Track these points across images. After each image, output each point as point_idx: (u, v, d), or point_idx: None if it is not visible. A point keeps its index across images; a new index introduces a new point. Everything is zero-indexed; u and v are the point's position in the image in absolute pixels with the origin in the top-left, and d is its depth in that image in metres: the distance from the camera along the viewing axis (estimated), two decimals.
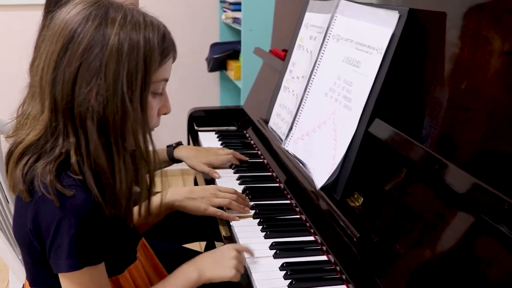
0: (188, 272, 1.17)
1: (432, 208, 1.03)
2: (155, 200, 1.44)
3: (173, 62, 1.12)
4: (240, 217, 1.45)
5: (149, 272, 1.29)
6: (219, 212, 1.45)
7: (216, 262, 1.18)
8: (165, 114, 1.14)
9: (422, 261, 1.00)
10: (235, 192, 1.50)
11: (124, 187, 1.03)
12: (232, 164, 1.81)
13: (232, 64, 3.41)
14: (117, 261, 1.15)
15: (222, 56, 3.49)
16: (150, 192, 1.12)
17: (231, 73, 3.46)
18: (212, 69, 3.63)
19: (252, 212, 1.48)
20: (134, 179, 1.06)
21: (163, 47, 1.04)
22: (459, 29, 1.07)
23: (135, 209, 1.16)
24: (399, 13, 1.18)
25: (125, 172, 1.03)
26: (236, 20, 3.28)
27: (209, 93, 3.91)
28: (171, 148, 1.85)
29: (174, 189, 1.50)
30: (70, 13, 1.00)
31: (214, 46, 3.57)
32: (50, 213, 0.97)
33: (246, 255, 1.27)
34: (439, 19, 1.11)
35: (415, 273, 1.01)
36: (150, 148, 1.08)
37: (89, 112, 0.98)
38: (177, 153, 1.84)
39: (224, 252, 1.20)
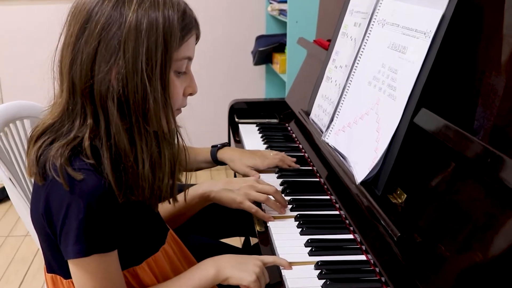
0: (207, 267, 1.10)
1: (484, 207, 0.91)
2: (190, 191, 1.39)
3: (197, 40, 1.07)
4: (275, 218, 1.36)
5: (181, 264, 1.24)
6: (254, 208, 1.35)
7: (238, 264, 1.11)
8: (191, 94, 1.09)
9: (469, 266, 0.89)
10: (275, 191, 1.39)
11: (147, 170, 0.99)
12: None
13: (277, 57, 3.32)
14: (134, 252, 1.10)
15: (268, 49, 3.41)
16: (174, 176, 1.07)
17: (276, 67, 3.37)
18: (257, 62, 3.55)
19: (289, 208, 1.40)
20: (158, 162, 1.01)
21: (183, 23, 1.00)
22: None
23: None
24: None
25: (147, 154, 0.99)
26: (282, 12, 3.19)
27: (254, 86, 3.84)
28: (215, 148, 1.72)
29: (212, 180, 1.44)
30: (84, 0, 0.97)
31: (259, 38, 3.49)
32: (60, 196, 0.94)
33: (280, 251, 1.20)
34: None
35: (461, 279, 0.90)
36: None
37: (110, 91, 0.95)
38: (221, 154, 1.70)
39: (250, 258, 1.12)
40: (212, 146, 1.73)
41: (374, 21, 1.36)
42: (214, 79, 3.78)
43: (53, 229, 0.97)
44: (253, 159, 1.65)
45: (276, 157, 1.65)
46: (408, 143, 1.13)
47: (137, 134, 0.98)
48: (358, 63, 1.39)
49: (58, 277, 1.07)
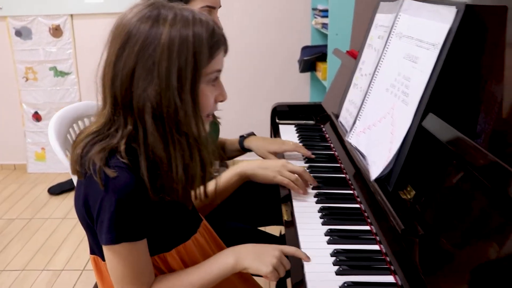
0: (226, 257, 1.08)
1: (480, 204, 0.89)
2: (230, 171, 1.42)
3: (225, 54, 1.06)
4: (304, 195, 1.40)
5: (212, 253, 1.22)
6: (286, 180, 1.39)
7: (257, 254, 1.07)
8: (221, 101, 1.08)
9: (466, 260, 0.87)
10: (304, 170, 1.42)
11: (180, 173, 0.99)
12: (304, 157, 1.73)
13: (320, 65, 3.30)
14: (165, 240, 1.10)
15: (312, 58, 3.39)
16: (204, 177, 1.06)
17: (319, 74, 3.35)
18: (303, 70, 3.54)
19: (315, 201, 1.39)
20: (189, 165, 1.01)
21: (212, 42, 0.99)
22: None
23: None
24: (456, 8, 1.04)
25: (180, 160, 0.99)
26: (324, 25, 3.16)
27: (300, 91, 3.83)
28: (242, 138, 1.80)
29: (248, 161, 1.46)
30: (127, 16, 0.98)
31: (304, 49, 3.47)
32: (96, 191, 0.96)
33: (301, 239, 1.19)
34: (499, 14, 0.96)
35: (458, 272, 0.87)
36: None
37: (147, 106, 0.96)
38: (247, 143, 1.79)
39: (268, 249, 1.09)
40: (240, 136, 1.78)
41: (393, 34, 1.33)
42: (266, 84, 3.79)
43: (91, 218, 1.00)
44: (273, 145, 1.73)
45: (292, 146, 1.71)
46: (417, 144, 1.11)
47: (171, 143, 0.98)
48: (378, 72, 1.37)
49: (99, 258, 1.10)
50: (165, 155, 0.98)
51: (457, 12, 1.03)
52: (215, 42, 1.00)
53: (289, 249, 1.11)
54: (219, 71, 1.04)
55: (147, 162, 0.97)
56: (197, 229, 1.21)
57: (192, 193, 1.14)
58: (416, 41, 1.18)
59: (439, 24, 1.08)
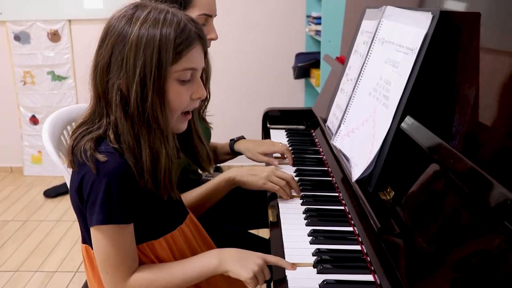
0: (210, 258, 1.10)
1: (455, 205, 0.91)
2: (219, 177, 1.45)
3: (204, 51, 1.09)
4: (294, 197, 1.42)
5: (198, 245, 1.26)
6: (276, 187, 1.41)
7: (240, 259, 1.09)
8: (199, 98, 1.11)
9: (443, 261, 0.88)
10: (292, 178, 1.44)
11: (148, 165, 1.03)
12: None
13: (314, 72, 3.33)
14: (152, 228, 1.14)
15: (305, 65, 3.42)
16: (167, 171, 1.07)
17: (313, 80, 3.39)
18: (297, 76, 3.57)
19: (300, 202, 1.41)
20: (156, 157, 1.05)
21: (180, 39, 1.02)
22: (494, 29, 0.94)
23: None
24: (432, 14, 1.06)
25: (149, 151, 1.03)
26: (318, 32, 3.20)
27: (295, 98, 3.86)
28: (232, 141, 1.82)
29: (237, 168, 1.48)
30: (112, 16, 1.05)
31: (298, 55, 3.51)
32: (88, 175, 1.00)
33: (285, 239, 1.21)
34: (473, 20, 0.99)
35: (435, 272, 0.90)
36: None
37: (115, 98, 1.02)
38: (237, 146, 1.80)
39: (252, 255, 1.10)
40: (230, 140, 1.80)
41: (376, 39, 1.36)
42: (261, 90, 3.83)
43: (82, 202, 1.04)
44: (262, 146, 1.74)
45: (281, 147, 1.73)
46: (397, 146, 1.13)
47: (140, 135, 1.03)
48: (362, 76, 1.40)
49: (90, 247, 1.12)
50: (136, 144, 1.03)
51: (433, 18, 1.06)
52: (184, 40, 1.02)
53: (272, 258, 1.10)
54: (193, 69, 1.06)
55: (128, 150, 1.03)
56: (183, 220, 1.24)
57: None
58: (396, 46, 1.20)
59: (416, 29, 1.11)
